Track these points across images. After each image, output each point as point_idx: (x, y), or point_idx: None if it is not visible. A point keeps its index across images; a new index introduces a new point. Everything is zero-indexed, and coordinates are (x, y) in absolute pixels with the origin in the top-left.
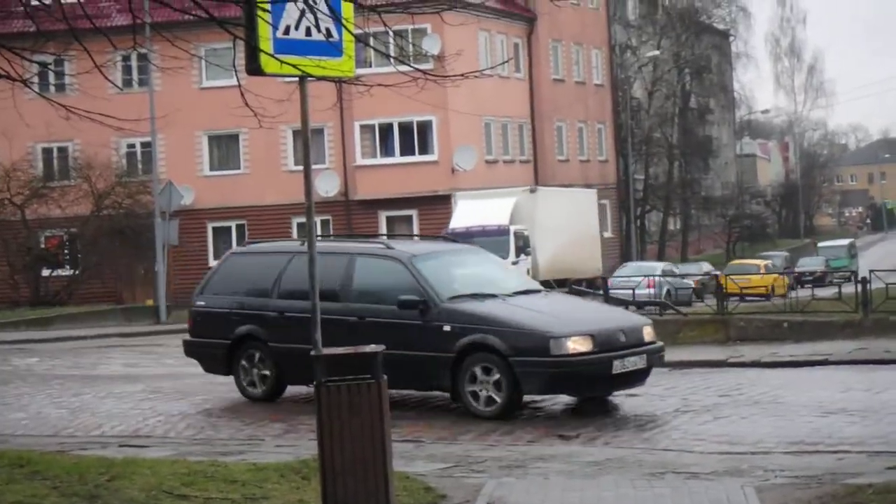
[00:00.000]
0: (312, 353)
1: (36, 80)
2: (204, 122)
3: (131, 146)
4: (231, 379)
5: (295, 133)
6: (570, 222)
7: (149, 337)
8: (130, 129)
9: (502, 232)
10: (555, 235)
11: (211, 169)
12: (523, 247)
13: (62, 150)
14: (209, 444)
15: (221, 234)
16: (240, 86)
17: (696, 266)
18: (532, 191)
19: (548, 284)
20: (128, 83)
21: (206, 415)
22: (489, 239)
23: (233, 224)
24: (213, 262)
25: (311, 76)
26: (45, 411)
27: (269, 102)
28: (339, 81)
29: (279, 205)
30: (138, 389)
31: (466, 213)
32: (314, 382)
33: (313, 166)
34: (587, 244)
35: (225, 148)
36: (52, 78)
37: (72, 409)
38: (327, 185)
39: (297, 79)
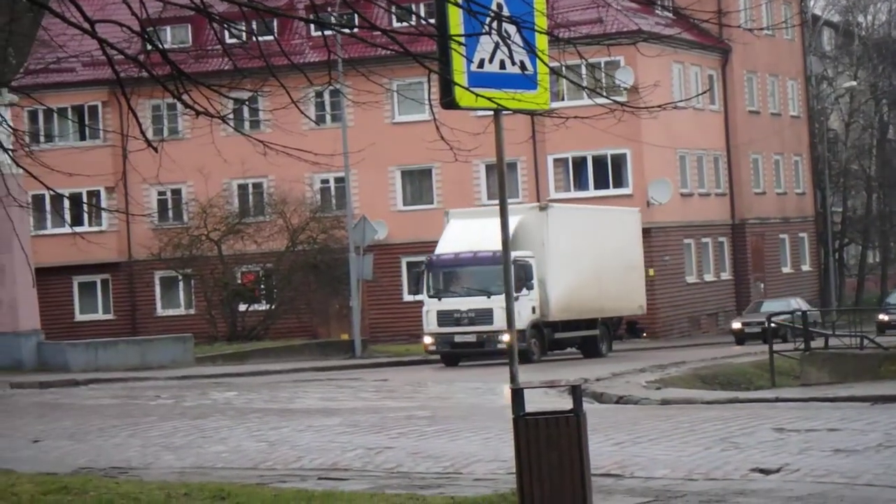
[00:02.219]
0: (510, 385)
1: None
2: (397, 157)
3: (325, 181)
4: (431, 414)
5: (488, 167)
6: (599, 248)
7: (344, 371)
8: (325, 165)
9: (497, 260)
10: (573, 264)
11: (404, 203)
12: (525, 279)
13: (257, 186)
14: (407, 478)
15: (415, 269)
16: (434, 119)
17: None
18: (542, 208)
19: (554, 327)
20: (321, 119)
21: (403, 448)
22: (481, 269)
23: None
24: (406, 297)
25: (507, 109)
26: (244, 444)
27: (463, 136)
28: (533, 114)
29: None
30: (336, 423)
31: (457, 234)
32: (513, 415)
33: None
34: (625, 275)
35: (418, 183)
36: (246, 114)
37: (270, 441)
38: None
39: (491, 112)
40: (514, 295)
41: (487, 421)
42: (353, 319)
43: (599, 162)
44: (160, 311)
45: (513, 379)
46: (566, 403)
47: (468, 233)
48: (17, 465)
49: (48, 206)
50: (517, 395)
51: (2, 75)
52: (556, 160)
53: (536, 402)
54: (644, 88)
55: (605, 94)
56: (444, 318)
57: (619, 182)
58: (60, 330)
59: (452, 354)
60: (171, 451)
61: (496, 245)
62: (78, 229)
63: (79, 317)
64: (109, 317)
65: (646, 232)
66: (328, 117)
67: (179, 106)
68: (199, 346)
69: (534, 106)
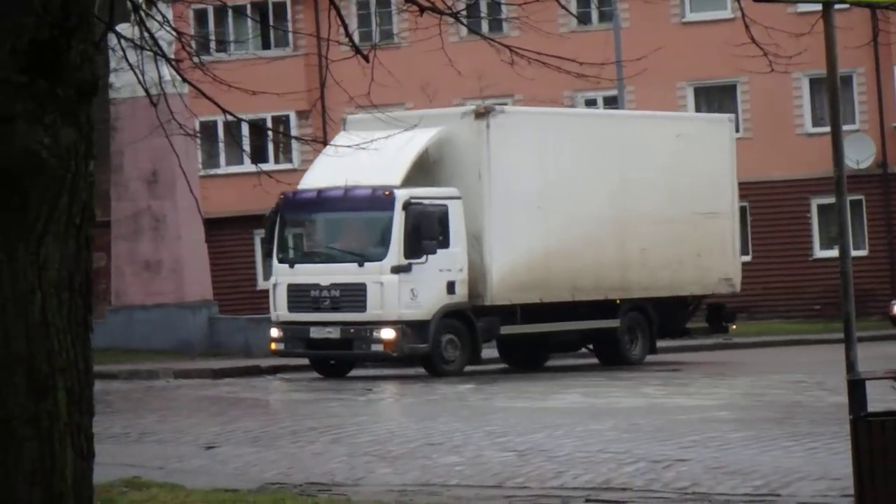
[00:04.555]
0: (847, 376)
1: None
2: (688, 70)
3: (591, 102)
4: (736, 415)
5: (813, 82)
6: (623, 184)
7: None
8: (592, 79)
9: (380, 203)
10: (550, 210)
11: None
12: (430, 234)
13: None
14: (706, 501)
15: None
16: (743, 16)
17: None
18: (481, 114)
19: (503, 315)
20: (586, 17)
21: (700, 461)
22: (355, 217)
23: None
24: None
25: (841, 1)
26: (485, 454)
27: (779, 38)
28: (878, 7)
29: (791, 180)
30: (607, 426)
31: (335, 161)
32: (851, 416)
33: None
34: (690, 231)
35: (717, 103)
36: (485, 9)
37: (520, 451)
38: (858, 153)
39: (819, 6)
40: (405, 261)
41: (813, 425)
42: None
43: None
44: None
45: (850, 368)
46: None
47: (357, 154)
48: (187, 478)
49: (221, 136)
50: (856, 389)
51: None
52: None
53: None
54: None
55: None
56: (297, 297)
57: None
58: (238, 301)
59: (311, 358)
60: (387, 463)
61: (383, 177)
62: (262, 167)
63: (262, 284)
64: None
65: None
66: (595, 15)
67: (395, 0)
68: None
69: None
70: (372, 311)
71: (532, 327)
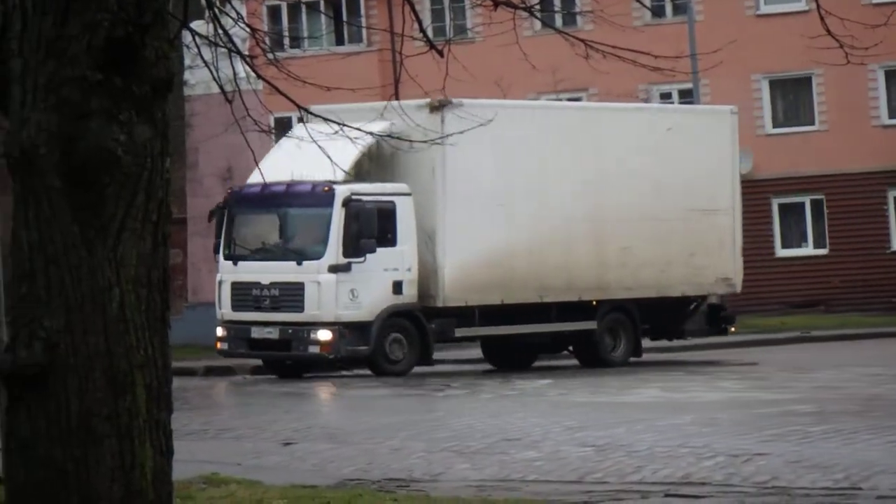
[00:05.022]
0: None
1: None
2: (763, 62)
3: (666, 95)
4: (815, 409)
5: (889, 74)
6: (603, 178)
7: (694, 352)
8: (667, 72)
9: (320, 199)
10: (513, 205)
11: (774, 125)
12: (368, 234)
13: (573, 102)
14: (785, 494)
15: (790, 213)
16: (818, 7)
17: None
18: (436, 107)
19: (460, 317)
20: (660, 10)
21: (780, 455)
22: (295, 213)
23: (805, 199)
24: (780, 253)
25: None
26: (563, 449)
27: (855, 30)
28: None
29: (868, 172)
30: (686, 421)
31: (289, 152)
32: None
33: None
34: (681, 227)
35: (792, 96)
36: (559, 4)
37: (598, 446)
38: None
39: None
40: (344, 260)
41: (892, 418)
42: None
43: None
44: None
45: None
46: None
47: (309, 148)
48: (265, 474)
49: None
50: None
51: None
52: None
53: None
54: None
55: None
56: (240, 296)
57: None
58: None
59: (256, 358)
60: (465, 459)
61: (326, 171)
62: None
63: None
64: None
65: None
66: (669, 8)
67: None
68: None
69: None
70: (309, 312)
71: (490, 330)
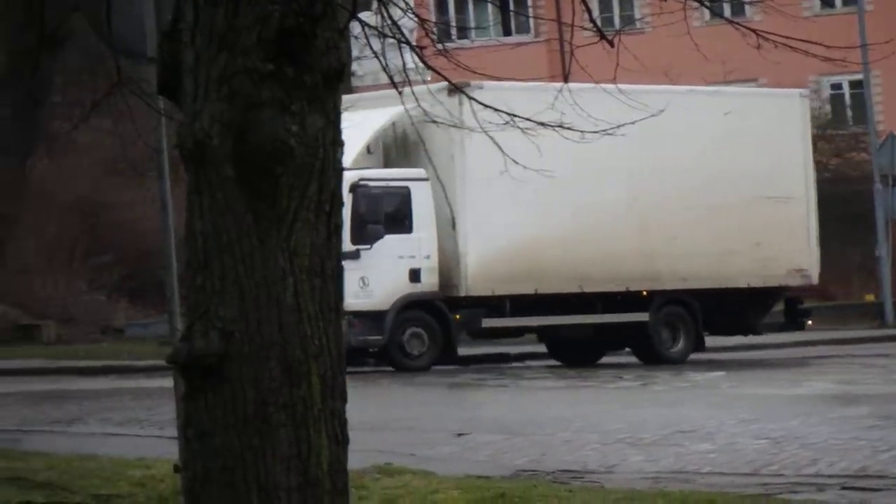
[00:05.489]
0: None
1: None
2: None
3: (836, 87)
4: None
5: None
6: (646, 163)
7: (871, 344)
8: (838, 63)
9: None
10: (547, 194)
11: None
12: (373, 221)
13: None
14: None
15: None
16: None
17: None
18: (454, 90)
19: (489, 307)
20: (829, 1)
21: None
22: None
23: None
24: None
25: None
26: (738, 441)
27: None
28: None
29: None
30: (862, 414)
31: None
32: None
33: None
34: (744, 215)
35: None
36: None
37: (773, 438)
38: None
39: None
40: (353, 248)
41: None
42: (882, 274)
43: None
44: None
45: None
46: None
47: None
48: (438, 465)
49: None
50: None
51: None
52: None
53: None
54: None
55: None
56: None
57: None
58: None
59: None
60: (639, 450)
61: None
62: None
63: None
64: None
65: None
66: None
67: None
68: None
69: None
70: None
71: (523, 321)
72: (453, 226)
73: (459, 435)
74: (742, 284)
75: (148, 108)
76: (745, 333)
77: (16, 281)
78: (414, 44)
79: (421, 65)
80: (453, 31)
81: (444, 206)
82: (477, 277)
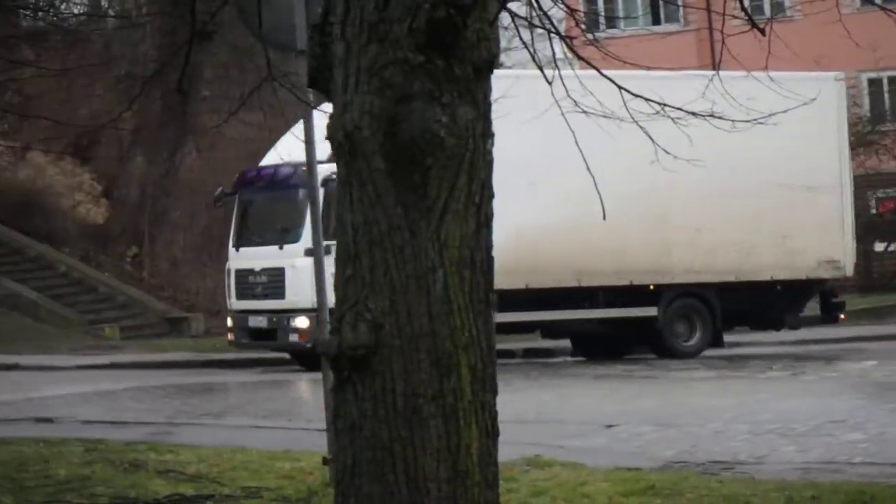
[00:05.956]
0: None
1: None
2: None
3: None
4: None
5: None
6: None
7: None
8: None
9: (300, 180)
10: (549, 188)
11: None
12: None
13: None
14: None
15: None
16: None
17: None
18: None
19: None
20: None
21: None
22: (279, 196)
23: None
24: None
25: None
26: (889, 431)
27: None
28: None
29: None
30: None
31: (293, 139)
32: None
33: None
34: (767, 204)
35: None
36: None
37: None
38: None
39: None
40: (325, 244)
41: None
42: None
43: None
44: None
45: None
46: None
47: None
48: (587, 456)
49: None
50: None
51: None
52: None
53: None
54: None
55: None
56: (240, 284)
57: None
58: None
59: (257, 349)
60: (790, 441)
61: (321, 148)
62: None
63: None
64: None
65: None
66: None
67: None
68: None
69: None
70: (290, 298)
71: (513, 316)
72: None
73: (609, 426)
74: (765, 277)
75: (297, 100)
76: (774, 328)
77: (165, 274)
78: (563, 34)
79: (570, 55)
80: (602, 21)
81: None
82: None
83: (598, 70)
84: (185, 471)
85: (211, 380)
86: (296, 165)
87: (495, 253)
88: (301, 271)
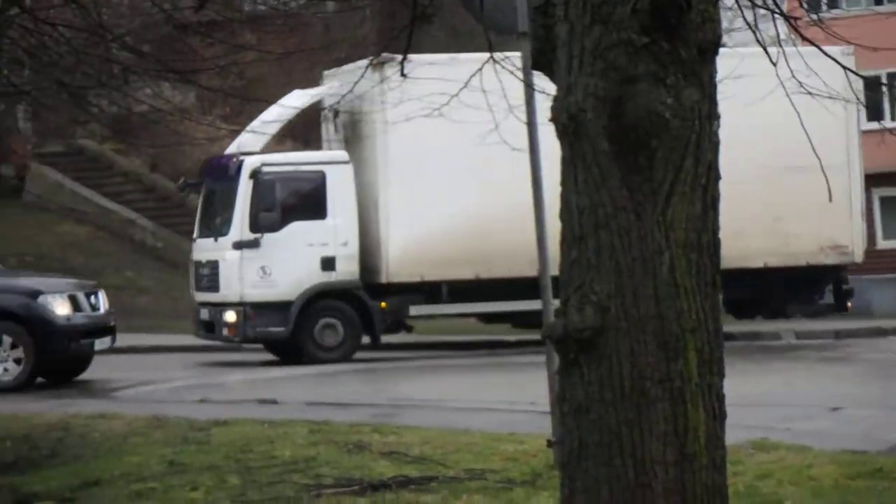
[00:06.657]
0: None
1: None
2: None
3: None
4: None
5: None
6: None
7: None
8: None
9: (232, 172)
10: (496, 176)
11: None
12: (266, 209)
13: None
14: None
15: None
16: None
17: None
18: (377, 64)
19: (429, 292)
20: None
21: None
22: (222, 186)
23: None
24: None
25: None
26: None
27: None
28: None
29: None
30: None
31: (276, 115)
32: None
33: None
34: (769, 187)
35: None
36: None
37: None
38: None
39: None
40: (252, 237)
41: None
42: None
43: None
44: None
45: None
46: None
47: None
48: (813, 439)
49: None
50: None
51: None
52: None
53: None
54: None
55: None
56: (195, 274)
57: None
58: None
59: (212, 340)
60: None
61: (250, 144)
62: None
63: (882, 243)
64: None
65: None
66: None
67: None
68: None
69: None
70: (223, 291)
71: (458, 307)
72: (376, 210)
73: (834, 409)
74: (758, 264)
75: (520, 82)
76: (774, 316)
77: None
78: (787, 14)
79: (795, 35)
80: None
81: (367, 189)
82: (399, 263)
83: (821, 50)
84: (408, 452)
85: (436, 363)
86: (231, 156)
87: (435, 242)
88: (230, 264)
